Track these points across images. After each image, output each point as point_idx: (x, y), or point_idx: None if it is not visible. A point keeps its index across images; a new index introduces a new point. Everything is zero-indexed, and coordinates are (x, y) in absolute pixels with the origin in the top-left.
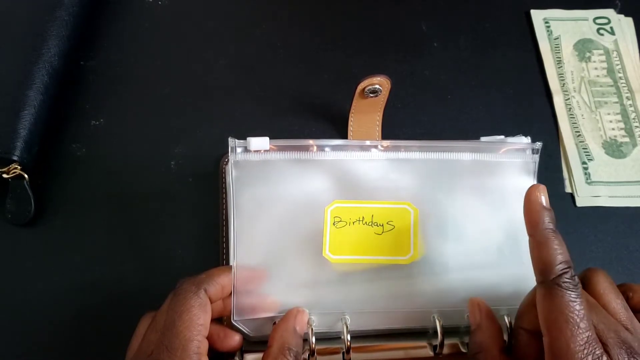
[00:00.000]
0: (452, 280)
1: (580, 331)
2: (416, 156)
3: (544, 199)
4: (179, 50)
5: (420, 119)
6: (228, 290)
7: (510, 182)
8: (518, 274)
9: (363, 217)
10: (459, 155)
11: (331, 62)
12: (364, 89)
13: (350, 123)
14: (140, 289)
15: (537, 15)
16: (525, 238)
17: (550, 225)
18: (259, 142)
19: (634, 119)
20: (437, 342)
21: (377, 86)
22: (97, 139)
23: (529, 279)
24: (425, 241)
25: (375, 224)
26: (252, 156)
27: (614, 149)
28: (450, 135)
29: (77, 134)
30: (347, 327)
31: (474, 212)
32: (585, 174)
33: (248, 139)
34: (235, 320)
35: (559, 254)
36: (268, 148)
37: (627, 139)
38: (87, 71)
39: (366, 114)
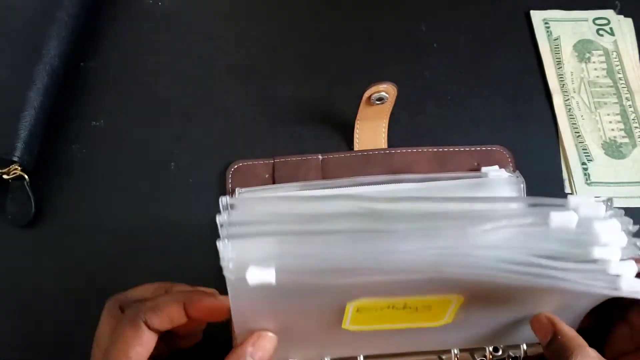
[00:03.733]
0: (482, 331)
1: None
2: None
3: None
4: (179, 50)
5: (420, 119)
6: (179, 322)
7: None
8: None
9: (394, 305)
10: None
11: (331, 62)
12: (370, 96)
13: (356, 130)
14: None
15: (537, 16)
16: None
17: None
18: (262, 275)
19: (633, 119)
20: (447, 355)
21: (383, 93)
22: (97, 139)
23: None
24: (462, 312)
25: (408, 307)
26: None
27: (613, 149)
28: (451, 135)
29: (77, 134)
30: None
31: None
32: (585, 174)
33: (246, 272)
34: None
35: None
36: (274, 283)
37: (626, 140)
38: (87, 72)
39: (372, 120)
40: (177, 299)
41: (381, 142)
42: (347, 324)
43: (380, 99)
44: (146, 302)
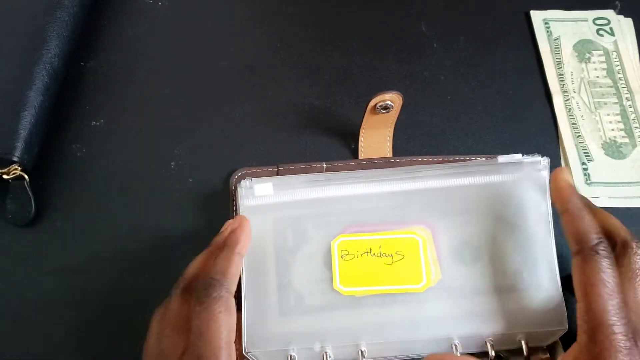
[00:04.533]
0: (469, 305)
1: (615, 295)
2: (423, 185)
3: (571, 180)
4: (179, 50)
5: (419, 119)
6: (240, 271)
7: (521, 201)
8: (535, 299)
9: (371, 249)
10: (466, 180)
11: (331, 62)
12: (375, 105)
13: (360, 139)
14: (141, 289)
15: (537, 16)
16: (543, 260)
17: (582, 201)
18: (263, 188)
19: (633, 119)
20: None
21: (388, 102)
22: (97, 139)
23: (545, 304)
24: (441, 266)
25: (384, 254)
26: (259, 201)
27: (613, 149)
28: (449, 135)
29: (77, 134)
30: (363, 355)
31: (486, 235)
32: (585, 174)
33: (254, 186)
34: (248, 352)
35: (593, 226)
36: (272, 193)
37: (626, 140)
38: (88, 72)
39: (377, 129)
40: (229, 254)
41: (386, 151)
42: (337, 283)
43: (385, 107)
44: (214, 278)
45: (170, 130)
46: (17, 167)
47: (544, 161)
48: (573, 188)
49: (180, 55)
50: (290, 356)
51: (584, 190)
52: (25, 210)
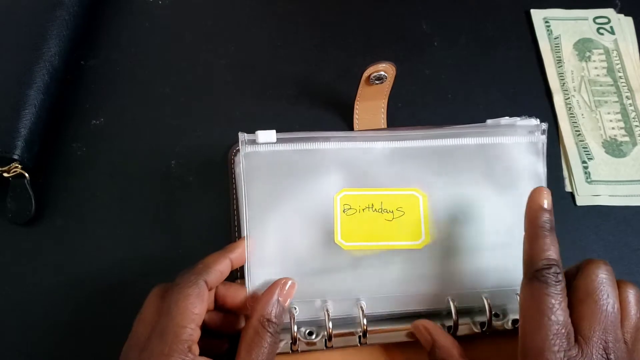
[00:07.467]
0: (465, 262)
1: (551, 323)
2: (421, 144)
3: (546, 202)
4: (179, 49)
5: (420, 117)
6: (226, 274)
7: (518, 162)
8: None
9: (372, 205)
10: (464, 140)
11: (331, 61)
12: (369, 76)
13: (355, 111)
14: (141, 287)
15: (537, 15)
16: None
17: (546, 225)
18: (267, 135)
19: (633, 118)
20: (450, 322)
21: (382, 73)
22: (97, 138)
23: None
24: (437, 225)
25: (385, 210)
26: (261, 148)
27: (614, 148)
28: None
29: (77, 133)
30: (363, 311)
31: (482, 194)
32: (586, 173)
33: (256, 132)
34: (251, 306)
35: (547, 250)
36: (275, 140)
37: (627, 138)
38: (88, 70)
39: (372, 100)
40: (221, 254)
41: (380, 122)
42: (338, 237)
43: (379, 78)
44: (197, 266)
45: (170, 129)
46: (17, 165)
47: (542, 125)
48: (543, 209)
49: (180, 54)
50: (292, 310)
51: (585, 189)
52: (26, 209)
